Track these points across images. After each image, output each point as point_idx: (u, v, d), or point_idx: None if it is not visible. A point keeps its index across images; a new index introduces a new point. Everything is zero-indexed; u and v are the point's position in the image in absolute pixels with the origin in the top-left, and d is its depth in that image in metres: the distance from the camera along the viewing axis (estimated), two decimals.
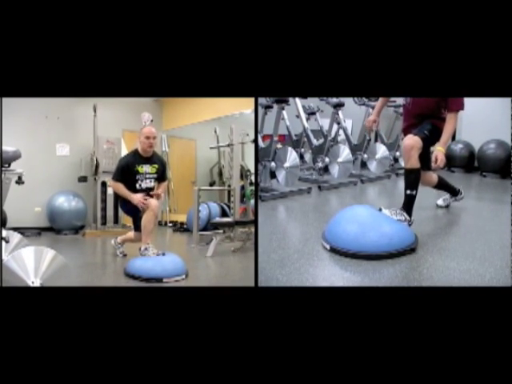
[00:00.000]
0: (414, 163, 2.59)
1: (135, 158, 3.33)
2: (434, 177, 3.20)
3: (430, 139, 2.73)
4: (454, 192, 3.54)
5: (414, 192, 2.60)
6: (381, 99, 3.20)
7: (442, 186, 3.37)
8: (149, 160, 3.36)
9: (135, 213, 3.41)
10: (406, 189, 2.63)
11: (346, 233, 2.34)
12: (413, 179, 2.62)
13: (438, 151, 2.57)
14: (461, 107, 2.64)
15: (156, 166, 3.39)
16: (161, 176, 3.47)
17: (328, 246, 2.37)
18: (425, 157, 2.86)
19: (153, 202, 3.27)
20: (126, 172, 3.28)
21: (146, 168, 3.33)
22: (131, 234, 3.70)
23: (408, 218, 2.57)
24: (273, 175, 4.18)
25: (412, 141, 2.61)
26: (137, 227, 3.49)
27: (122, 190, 3.27)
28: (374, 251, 2.23)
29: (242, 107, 6.03)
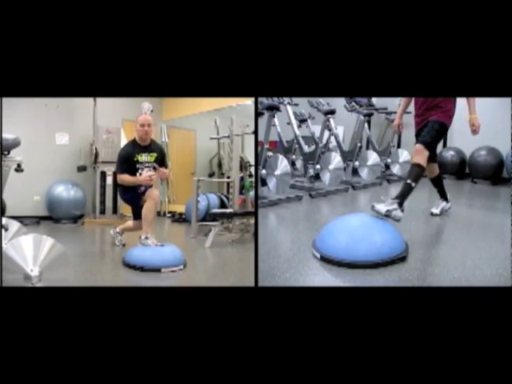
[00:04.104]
0: (421, 161, 2.85)
1: (134, 147, 3.35)
2: (436, 169, 3.39)
3: (436, 141, 3.05)
4: (444, 196, 3.55)
5: (414, 184, 2.74)
6: (402, 103, 3.39)
7: (438, 182, 3.48)
8: (147, 148, 3.38)
9: (135, 201, 3.44)
10: (406, 178, 2.81)
11: (336, 242, 2.34)
12: (416, 172, 2.82)
13: (473, 119, 3.00)
14: None
15: (154, 154, 3.41)
16: (160, 163, 3.48)
17: (318, 255, 2.36)
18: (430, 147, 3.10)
19: (154, 191, 3.32)
20: (128, 164, 3.31)
21: (144, 157, 3.36)
22: (130, 222, 3.73)
23: (400, 203, 2.63)
24: (264, 183, 4.16)
25: (420, 148, 2.91)
26: (136, 216, 3.51)
27: (128, 178, 3.30)
28: (364, 260, 2.23)
29: (243, 99, 6.01)
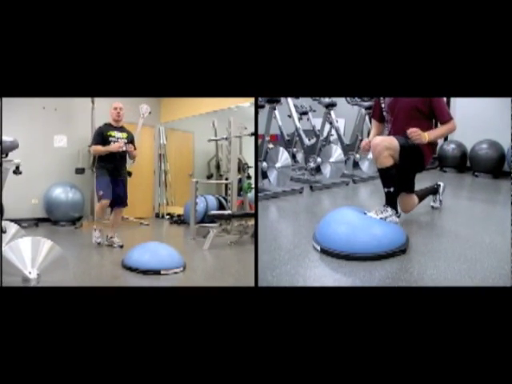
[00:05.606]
0: (385, 161, 2.55)
1: (107, 126, 3.97)
2: (415, 198, 3.07)
3: (410, 155, 2.64)
4: (434, 191, 3.56)
5: (392, 189, 2.60)
6: (374, 130, 3.10)
7: (423, 197, 3.30)
8: (119, 128, 4.00)
9: (110, 188, 3.90)
10: (383, 187, 2.65)
11: (336, 234, 2.34)
12: (386, 177, 2.62)
13: (421, 133, 2.54)
14: (449, 116, 2.68)
15: (126, 133, 4.02)
16: (130, 143, 4.01)
17: (319, 247, 2.37)
18: (406, 180, 2.91)
19: (120, 210, 4.06)
20: (101, 137, 3.87)
21: (117, 134, 3.94)
22: (111, 219, 4.15)
23: (393, 210, 2.58)
24: (264, 175, 4.18)
25: (382, 138, 2.60)
26: (112, 204, 3.98)
27: (101, 148, 3.86)
28: (364, 252, 2.23)
29: (241, 100, 6.02)
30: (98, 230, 4.06)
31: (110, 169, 3.89)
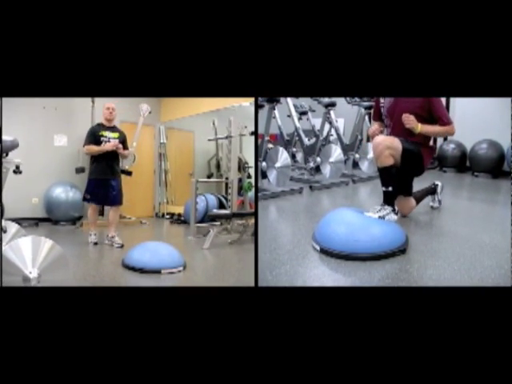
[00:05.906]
0: (385, 161, 2.65)
1: (99, 126, 4.08)
2: (413, 201, 3.13)
3: (410, 157, 2.73)
4: (432, 191, 3.57)
5: (390, 188, 2.67)
6: (375, 125, 3.15)
7: (421, 198, 3.35)
8: (111, 128, 4.09)
9: (102, 192, 4.01)
10: (382, 186, 2.72)
11: (335, 234, 2.34)
12: (386, 177, 2.71)
13: (416, 124, 2.66)
14: (448, 120, 2.76)
15: (117, 133, 4.10)
16: (122, 144, 4.07)
17: (318, 247, 2.37)
18: (405, 183, 2.96)
19: (116, 209, 4.11)
20: (94, 137, 3.95)
21: (108, 134, 4.03)
22: (109, 217, 4.16)
23: (390, 208, 2.62)
24: (264, 175, 4.19)
25: (383, 138, 2.67)
26: (107, 203, 4.17)
27: (94, 148, 3.93)
28: (363, 252, 2.23)
29: (241, 100, 6.02)
30: (93, 233, 4.13)
31: (102, 169, 3.96)
